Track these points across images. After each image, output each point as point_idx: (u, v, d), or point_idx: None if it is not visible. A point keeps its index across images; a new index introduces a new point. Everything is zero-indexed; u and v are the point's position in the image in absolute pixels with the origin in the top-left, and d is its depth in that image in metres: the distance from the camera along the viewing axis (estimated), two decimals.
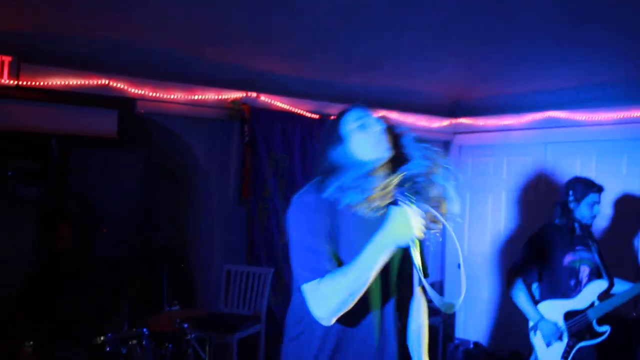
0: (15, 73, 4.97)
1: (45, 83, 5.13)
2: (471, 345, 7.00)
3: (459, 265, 7.28)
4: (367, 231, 2.33)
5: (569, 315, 4.40)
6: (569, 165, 6.47)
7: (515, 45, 6.02)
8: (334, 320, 2.31)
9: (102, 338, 3.83)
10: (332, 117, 2.64)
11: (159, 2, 4.95)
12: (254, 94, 6.03)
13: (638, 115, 5.99)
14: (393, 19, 5.60)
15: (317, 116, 6.37)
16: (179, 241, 6.72)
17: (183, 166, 6.43)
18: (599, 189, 4.49)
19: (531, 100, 6.79)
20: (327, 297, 2.27)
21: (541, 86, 6.64)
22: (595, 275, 4.47)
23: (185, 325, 4.06)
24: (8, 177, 6.42)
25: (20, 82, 5.01)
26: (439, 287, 7.40)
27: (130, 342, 3.83)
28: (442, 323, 6.80)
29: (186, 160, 6.25)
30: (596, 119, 6.29)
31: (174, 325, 4.21)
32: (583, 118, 6.36)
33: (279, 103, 6.16)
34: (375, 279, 2.38)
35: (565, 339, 4.38)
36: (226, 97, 5.93)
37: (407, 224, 2.25)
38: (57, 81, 5.17)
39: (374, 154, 2.45)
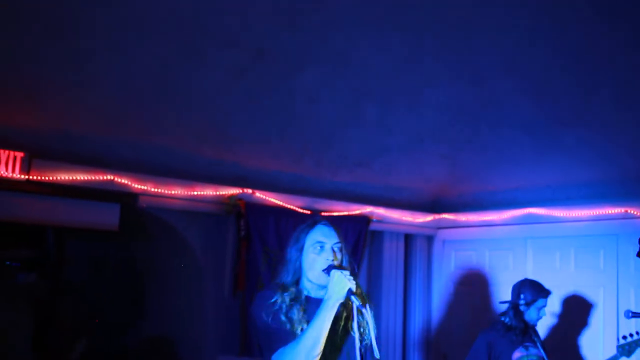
0: (26, 168, 5.23)
1: (54, 178, 5.37)
2: None
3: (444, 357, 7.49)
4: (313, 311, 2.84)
5: None
6: (549, 259, 6.77)
7: (495, 147, 6.44)
8: None
9: None
10: (302, 225, 3.14)
11: (162, 104, 5.31)
12: (250, 190, 6.31)
13: (612, 212, 6.34)
14: (383, 122, 6.01)
15: (308, 211, 6.64)
16: (169, 333, 6.85)
17: (178, 259, 6.63)
18: (546, 294, 4.81)
19: (511, 197, 7.13)
20: (293, 355, 2.74)
21: (520, 184, 7.00)
22: None
23: None
24: (6, 266, 6.59)
25: (30, 177, 5.26)
26: None
27: None
28: None
29: (182, 253, 6.46)
30: (573, 215, 6.63)
31: None
32: (561, 215, 6.71)
33: (273, 199, 6.45)
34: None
35: None
36: (223, 192, 6.20)
37: (343, 281, 2.81)
38: (65, 176, 5.42)
39: (317, 276, 2.97)
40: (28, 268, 6.84)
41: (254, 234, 6.26)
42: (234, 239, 6.27)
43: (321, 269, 2.99)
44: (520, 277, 6.64)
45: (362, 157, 6.69)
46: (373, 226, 7.24)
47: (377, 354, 2.83)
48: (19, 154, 5.20)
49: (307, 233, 3.10)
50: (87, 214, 5.70)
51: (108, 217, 5.78)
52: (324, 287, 2.93)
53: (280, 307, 2.94)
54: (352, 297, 2.85)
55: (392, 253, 7.64)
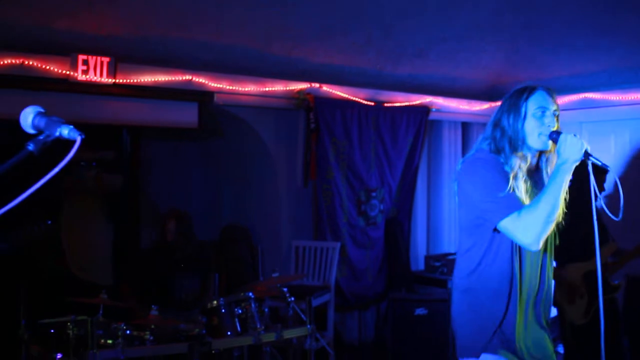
0: (112, 72, 5.56)
1: (138, 80, 5.71)
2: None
3: None
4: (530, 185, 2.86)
5: None
6: (605, 143, 7.03)
7: (552, 33, 6.59)
8: (541, 244, 2.74)
9: (215, 302, 4.43)
10: (518, 89, 2.99)
11: (235, 6, 5.54)
12: (317, 85, 6.60)
13: None
14: (441, 12, 6.18)
15: (372, 103, 6.94)
16: (246, 221, 7.32)
17: (251, 153, 7.03)
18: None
19: (567, 83, 7.32)
20: (531, 224, 2.69)
21: (577, 70, 7.18)
22: None
23: (285, 289, 4.66)
24: (92, 166, 7.02)
25: (116, 80, 5.60)
26: None
27: (242, 304, 4.43)
28: None
29: (255, 148, 6.84)
30: (629, 99, 6.84)
31: (272, 291, 4.83)
32: (617, 98, 6.91)
33: (339, 92, 6.74)
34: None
35: None
36: (292, 88, 6.51)
37: (579, 143, 2.74)
38: (147, 78, 5.75)
39: (539, 144, 2.88)
40: (109, 168, 7.28)
41: (323, 126, 6.59)
42: (303, 132, 6.61)
43: (542, 134, 2.86)
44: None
45: (421, 48, 6.90)
46: (432, 116, 7.52)
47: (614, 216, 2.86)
48: (106, 59, 5.51)
49: (526, 99, 2.91)
50: (169, 113, 6.07)
51: (188, 115, 6.15)
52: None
53: (504, 172, 2.85)
54: (591, 157, 2.78)
55: (451, 141, 7.95)
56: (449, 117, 7.77)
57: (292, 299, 4.63)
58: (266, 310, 4.70)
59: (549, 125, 2.87)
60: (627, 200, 2.89)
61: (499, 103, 7.26)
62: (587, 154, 2.76)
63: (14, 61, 5.19)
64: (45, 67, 5.32)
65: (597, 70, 7.07)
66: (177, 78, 5.90)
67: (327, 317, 6.44)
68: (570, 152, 2.73)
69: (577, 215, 3.10)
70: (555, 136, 2.81)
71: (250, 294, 4.52)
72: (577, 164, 2.77)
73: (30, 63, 5.25)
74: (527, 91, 2.94)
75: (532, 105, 2.89)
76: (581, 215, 3.28)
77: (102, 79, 5.52)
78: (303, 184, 6.69)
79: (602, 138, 7.12)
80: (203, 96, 6.10)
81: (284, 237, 6.83)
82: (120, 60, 5.61)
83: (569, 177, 2.76)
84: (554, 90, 2.96)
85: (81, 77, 5.42)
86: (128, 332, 4.18)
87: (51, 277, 6.35)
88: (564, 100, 7.36)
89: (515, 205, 2.76)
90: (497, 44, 7.04)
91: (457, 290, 3.04)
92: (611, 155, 6.92)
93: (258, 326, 4.39)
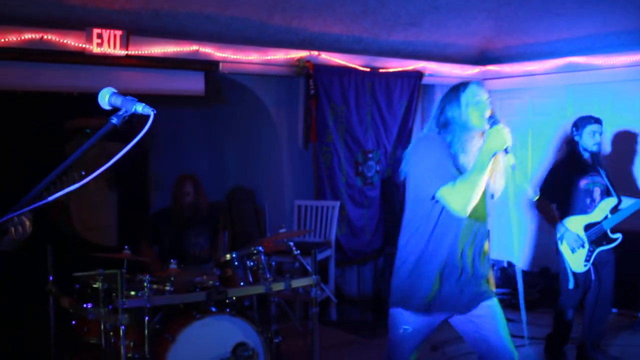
0: (125, 44, 5.93)
1: (148, 52, 6.08)
2: (505, 265, 8.06)
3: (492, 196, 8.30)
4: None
5: (588, 227, 5.42)
6: (588, 105, 7.43)
7: (538, 0, 6.96)
8: (469, 211, 3.22)
9: (228, 256, 4.85)
10: (455, 85, 3.50)
11: None
12: (316, 53, 6.98)
13: None
14: None
15: (368, 69, 7.33)
16: (250, 183, 7.75)
17: (254, 119, 7.43)
18: (596, 121, 5.48)
19: (553, 48, 7.71)
20: (461, 194, 3.19)
21: (562, 35, 7.56)
22: (605, 194, 5.48)
23: (292, 244, 5.08)
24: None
25: (128, 52, 5.97)
26: None
27: (253, 257, 4.85)
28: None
29: (258, 113, 7.24)
30: (611, 63, 7.22)
31: (280, 245, 5.26)
32: (600, 62, 7.30)
33: (337, 59, 7.12)
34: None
35: (587, 246, 5.41)
36: (293, 56, 6.89)
37: (506, 135, 3.19)
38: (157, 50, 6.13)
39: (479, 124, 3.35)
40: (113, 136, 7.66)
41: (322, 92, 6.99)
42: (303, 98, 7.01)
43: (480, 119, 3.32)
44: (561, 122, 7.37)
45: (414, 16, 7.26)
46: (425, 80, 7.92)
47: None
48: (119, 32, 5.88)
49: (464, 91, 3.39)
50: (178, 82, 6.46)
51: (195, 84, 6.54)
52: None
53: (447, 150, 3.35)
54: (508, 153, 3.22)
55: None
56: (441, 81, 8.15)
57: (299, 252, 5.05)
58: (273, 263, 5.12)
59: (484, 111, 3.34)
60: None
61: (488, 67, 7.79)
62: (507, 151, 3.22)
63: (33, 36, 5.56)
64: (62, 41, 5.69)
65: (580, 35, 7.44)
66: (184, 49, 6.27)
67: (328, 271, 6.90)
68: (495, 142, 3.20)
69: None
70: (491, 121, 3.28)
71: (260, 248, 4.93)
72: (498, 152, 3.25)
73: (49, 37, 5.62)
74: (462, 85, 3.43)
75: (468, 95, 3.38)
76: None
77: (116, 51, 5.89)
78: (304, 146, 7.11)
79: (586, 100, 7.52)
80: (209, 65, 6.48)
81: (287, 197, 7.27)
82: (132, 33, 5.97)
83: (490, 161, 3.22)
84: (483, 83, 3.63)
85: (96, 49, 5.80)
86: (149, 284, 4.60)
87: (67, 236, 6.78)
88: (549, 64, 7.75)
89: (451, 178, 3.24)
90: (486, 11, 7.41)
91: (400, 249, 3.57)
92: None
93: (268, 276, 4.81)
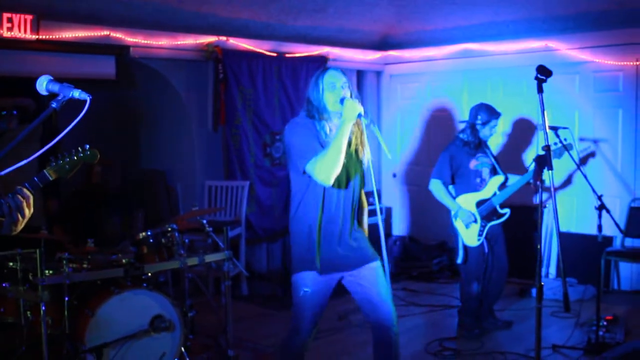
0: (35, 29, 6.01)
1: (59, 36, 6.18)
2: (407, 239, 8.53)
3: (394, 175, 8.74)
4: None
5: (479, 204, 5.89)
6: (482, 89, 7.94)
7: None
8: (332, 181, 3.60)
9: (143, 234, 5.06)
10: (317, 72, 3.88)
11: None
12: (225, 38, 7.21)
13: (535, 46, 7.45)
14: None
15: (274, 54, 7.61)
16: (162, 165, 7.93)
17: (165, 103, 7.61)
18: (498, 115, 5.96)
19: (450, 35, 8.17)
20: (323, 166, 3.57)
21: (458, 22, 8.02)
22: (493, 173, 5.96)
23: (205, 221, 5.33)
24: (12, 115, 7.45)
25: (39, 37, 6.06)
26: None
27: (167, 234, 5.08)
28: (383, 222, 8.25)
29: (169, 97, 7.42)
30: (502, 49, 7.74)
31: (193, 223, 5.51)
32: (492, 49, 7.80)
33: (245, 44, 7.36)
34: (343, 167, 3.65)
35: (479, 221, 5.88)
36: (202, 41, 7.10)
37: (354, 106, 3.60)
38: (68, 34, 6.23)
39: (334, 108, 3.77)
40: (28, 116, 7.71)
41: (230, 76, 7.23)
42: (213, 82, 7.23)
43: (335, 101, 3.74)
44: (457, 106, 7.86)
45: (320, 3, 7.57)
46: (329, 65, 8.22)
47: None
48: (29, 17, 5.95)
49: (322, 77, 3.79)
50: (89, 66, 6.58)
51: (106, 68, 6.67)
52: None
53: (313, 130, 3.79)
54: (362, 117, 3.66)
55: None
56: (344, 65, 8.46)
57: (211, 228, 5.32)
58: (187, 241, 5.36)
59: (338, 94, 3.74)
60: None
61: (390, 52, 8.17)
62: (360, 115, 3.64)
63: None
64: None
65: (475, 23, 7.92)
66: (96, 34, 6.40)
67: (239, 249, 7.18)
68: (348, 113, 3.61)
69: None
70: (341, 101, 3.69)
71: (174, 225, 5.17)
72: (354, 121, 3.65)
73: None
74: (322, 71, 3.84)
75: (326, 80, 3.79)
76: None
77: (26, 36, 5.97)
78: (213, 129, 7.33)
79: (479, 85, 8.02)
80: (120, 50, 6.63)
81: (198, 178, 7.50)
82: (43, 17, 6.05)
83: (348, 131, 3.62)
84: (339, 68, 3.88)
85: (6, 34, 5.86)
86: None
87: None
88: (447, 50, 8.22)
89: (316, 152, 3.65)
90: None
91: (290, 221, 4.03)
92: (487, 99, 7.82)
93: (182, 253, 5.06)
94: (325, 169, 3.57)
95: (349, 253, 3.87)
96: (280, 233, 7.83)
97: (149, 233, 5.05)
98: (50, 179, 2.24)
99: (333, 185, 3.70)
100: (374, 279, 3.90)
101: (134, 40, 6.63)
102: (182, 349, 4.90)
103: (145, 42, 6.71)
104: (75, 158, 2.54)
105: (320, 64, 8.08)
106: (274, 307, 6.85)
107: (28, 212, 2.53)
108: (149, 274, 5.05)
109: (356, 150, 3.88)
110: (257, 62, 7.49)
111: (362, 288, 3.92)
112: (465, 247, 5.94)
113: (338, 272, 3.90)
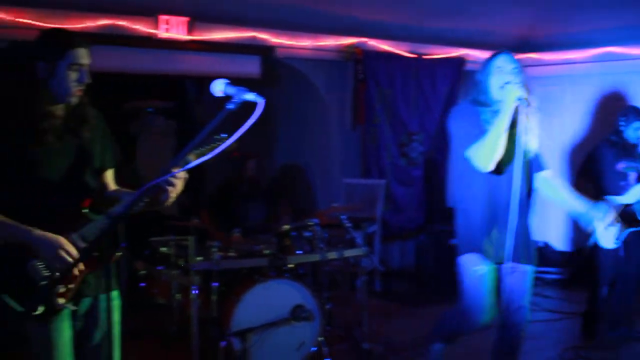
0: (189, 30, 6.38)
1: (210, 37, 6.54)
2: (542, 245, 8.42)
3: None
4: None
5: (621, 208, 5.76)
6: (623, 94, 7.74)
7: None
8: (491, 166, 3.57)
9: (286, 226, 5.28)
10: (492, 54, 3.82)
11: None
12: (365, 39, 7.39)
13: None
14: None
15: (413, 55, 7.72)
16: (301, 161, 8.21)
17: (306, 101, 7.86)
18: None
19: (592, 37, 8.00)
20: (482, 152, 3.57)
21: (602, 25, 7.84)
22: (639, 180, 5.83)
23: (343, 217, 5.50)
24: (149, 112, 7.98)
25: (192, 37, 6.43)
26: None
27: (309, 228, 5.28)
28: None
29: (309, 96, 7.68)
30: None
31: (332, 218, 5.69)
32: (636, 52, 7.59)
33: (384, 46, 7.52)
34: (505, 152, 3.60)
35: (618, 225, 5.75)
36: (343, 42, 7.31)
37: (514, 90, 3.51)
38: (218, 35, 6.58)
39: (498, 92, 3.70)
40: (170, 114, 8.20)
41: (369, 76, 7.41)
42: (352, 81, 7.43)
43: (499, 87, 3.65)
44: (599, 109, 7.68)
45: (458, 5, 7.60)
46: (467, 67, 8.26)
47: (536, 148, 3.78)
48: (184, 19, 6.34)
49: (491, 60, 3.73)
50: (235, 66, 6.91)
51: (251, 68, 6.99)
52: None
53: (475, 116, 3.73)
54: (522, 101, 3.50)
55: None
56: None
57: (350, 224, 5.47)
58: (325, 235, 5.54)
59: (503, 80, 3.66)
60: None
61: (529, 55, 8.05)
62: (521, 100, 3.52)
63: (106, 22, 6.05)
64: (133, 26, 6.16)
65: (619, 26, 7.72)
66: (243, 35, 6.73)
67: (374, 246, 7.32)
68: (508, 98, 3.53)
69: None
70: (504, 86, 3.61)
71: (316, 220, 5.36)
72: (514, 107, 3.52)
73: (120, 23, 6.10)
74: (492, 55, 3.79)
75: (494, 65, 3.74)
76: None
77: (181, 36, 6.35)
78: (352, 128, 7.53)
79: (621, 89, 7.82)
80: (265, 50, 6.93)
81: (335, 175, 7.71)
82: (195, 19, 6.43)
83: (507, 117, 3.52)
84: (512, 53, 3.79)
85: (163, 34, 6.26)
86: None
87: None
88: (589, 53, 8.06)
89: (476, 139, 3.62)
90: (528, 0, 7.72)
91: (457, 208, 3.98)
92: (631, 102, 7.63)
93: (322, 246, 5.24)
94: (485, 154, 3.55)
95: (506, 244, 3.72)
96: (413, 231, 7.92)
97: (292, 226, 5.26)
98: (190, 161, 2.44)
99: (494, 172, 3.65)
100: (521, 279, 3.85)
101: (279, 41, 6.91)
102: (320, 339, 5.07)
103: (289, 42, 6.99)
104: (213, 145, 2.75)
105: (458, 65, 8.13)
106: (407, 303, 6.96)
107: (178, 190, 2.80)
108: (291, 265, 5.26)
109: (520, 137, 3.67)
110: (396, 63, 7.62)
111: (507, 285, 3.87)
112: (599, 249, 5.84)
113: (500, 259, 3.79)
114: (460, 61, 8.16)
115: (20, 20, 5.63)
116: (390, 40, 7.61)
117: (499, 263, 3.82)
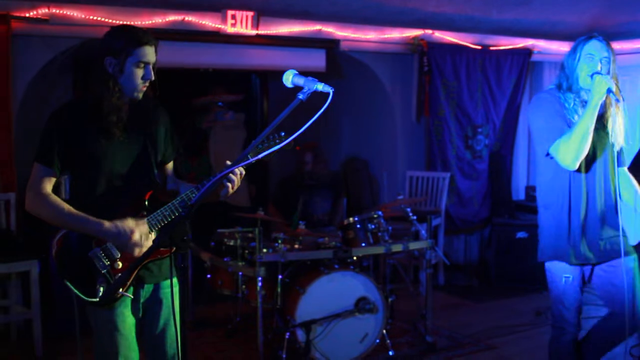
0: (255, 24, 6.46)
1: (276, 31, 6.61)
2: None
3: None
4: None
5: None
6: None
7: None
8: (577, 165, 3.31)
9: (351, 219, 5.32)
10: (580, 38, 3.52)
11: None
12: (430, 31, 7.36)
13: None
14: None
15: (479, 47, 7.66)
16: (365, 154, 8.25)
17: (370, 94, 7.89)
18: None
19: None
20: (567, 149, 3.27)
21: None
22: None
23: (408, 210, 5.51)
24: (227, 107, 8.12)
25: (258, 32, 6.51)
26: None
27: (374, 221, 5.31)
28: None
29: (374, 89, 7.69)
30: None
31: (396, 211, 5.71)
32: None
33: (449, 37, 7.48)
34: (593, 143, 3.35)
35: None
36: (408, 34, 7.30)
37: (603, 82, 3.21)
38: (284, 29, 6.64)
39: (584, 80, 3.45)
40: (238, 108, 8.35)
41: (434, 68, 7.38)
42: (417, 74, 7.42)
43: (587, 75, 3.35)
44: None
45: None
46: (534, 57, 8.16)
47: (623, 142, 3.51)
48: (250, 13, 6.42)
49: (582, 45, 3.43)
50: (301, 59, 6.97)
51: (316, 61, 7.04)
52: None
53: (558, 106, 3.45)
54: (611, 95, 3.23)
55: (551, 81, 8.51)
56: (549, 58, 8.37)
57: (415, 217, 5.48)
58: (390, 228, 5.56)
59: (593, 68, 3.38)
60: None
61: None
62: (609, 91, 3.23)
63: (175, 18, 6.17)
64: (201, 22, 6.27)
65: None
66: (308, 28, 6.78)
67: (438, 239, 7.31)
68: (596, 89, 3.24)
69: None
70: (592, 76, 3.31)
71: (380, 212, 5.39)
72: (602, 99, 3.26)
73: (189, 19, 6.21)
74: (584, 38, 3.49)
75: (585, 50, 3.44)
76: None
77: (247, 31, 6.44)
78: (416, 120, 7.53)
79: None
80: (330, 43, 6.98)
81: (399, 168, 7.71)
82: (261, 14, 6.50)
83: (595, 110, 3.26)
84: (607, 39, 3.49)
85: (230, 29, 6.36)
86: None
87: None
88: None
89: (559, 133, 3.36)
90: None
91: (539, 206, 3.75)
92: None
93: (387, 239, 5.27)
94: (571, 151, 3.28)
95: (598, 244, 3.55)
96: (478, 225, 7.89)
97: (356, 219, 5.30)
98: (250, 158, 2.50)
99: (579, 170, 3.43)
100: (619, 276, 3.55)
101: (344, 34, 6.94)
102: (384, 331, 5.11)
103: (354, 35, 7.01)
104: (272, 143, 2.82)
105: (524, 56, 8.04)
106: (470, 297, 6.94)
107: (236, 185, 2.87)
108: (355, 258, 5.31)
109: (609, 132, 3.52)
110: (461, 55, 7.58)
111: (607, 285, 3.63)
112: None
113: (586, 263, 3.60)
114: (527, 52, 8.07)
115: (92, 17, 5.79)
116: (455, 31, 7.56)
117: (594, 264, 3.63)
